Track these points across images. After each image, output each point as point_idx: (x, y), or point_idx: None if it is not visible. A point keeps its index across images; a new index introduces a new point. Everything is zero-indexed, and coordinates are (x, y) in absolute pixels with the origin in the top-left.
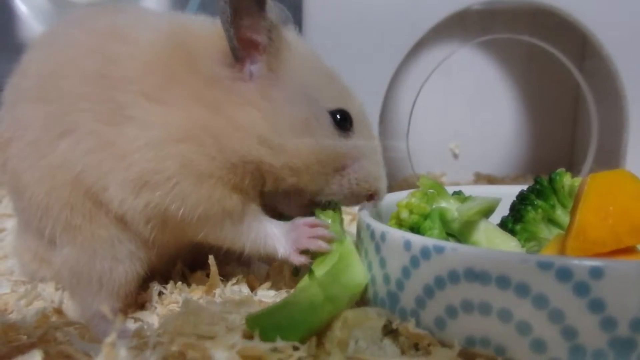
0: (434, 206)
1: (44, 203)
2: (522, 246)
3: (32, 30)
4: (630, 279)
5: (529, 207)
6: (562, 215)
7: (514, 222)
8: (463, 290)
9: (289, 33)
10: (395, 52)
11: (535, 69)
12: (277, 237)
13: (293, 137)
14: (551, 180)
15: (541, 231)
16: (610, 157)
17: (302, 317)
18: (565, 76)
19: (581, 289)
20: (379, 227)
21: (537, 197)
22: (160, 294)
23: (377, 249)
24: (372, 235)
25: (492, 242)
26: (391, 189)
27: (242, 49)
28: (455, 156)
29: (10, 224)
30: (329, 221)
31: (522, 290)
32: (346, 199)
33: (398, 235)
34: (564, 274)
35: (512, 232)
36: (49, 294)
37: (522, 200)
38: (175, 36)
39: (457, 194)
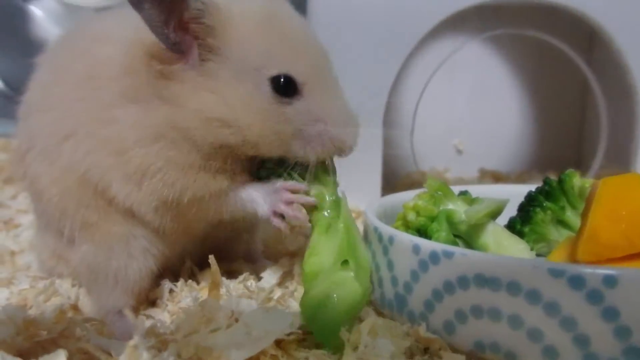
0: (440, 208)
1: (61, 204)
2: (531, 248)
3: (46, 32)
4: None
5: (538, 209)
6: (572, 216)
7: (522, 223)
8: (473, 295)
9: (236, 5)
10: (400, 48)
11: (542, 64)
12: (256, 200)
13: (244, 112)
14: (560, 181)
15: (550, 233)
16: (621, 153)
17: (346, 315)
18: (572, 71)
19: (594, 297)
20: (386, 230)
21: (546, 199)
22: (170, 291)
23: (385, 251)
24: (380, 237)
25: (500, 244)
26: (395, 185)
27: (180, 42)
28: (460, 152)
29: (27, 219)
30: (304, 185)
31: (534, 296)
32: (318, 158)
33: (406, 239)
34: (577, 282)
35: (520, 234)
36: (66, 290)
37: (530, 202)
38: (140, 34)
39: (464, 194)
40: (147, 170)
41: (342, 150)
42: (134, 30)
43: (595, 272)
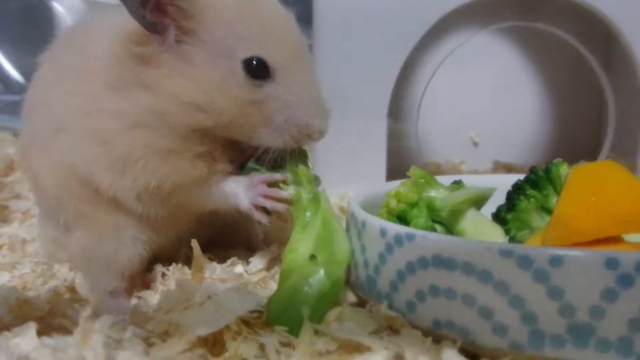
0: (423, 195)
1: (56, 195)
2: (514, 235)
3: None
4: (589, 267)
5: (522, 197)
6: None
7: (506, 211)
8: (431, 276)
9: None
10: (406, 39)
11: (559, 57)
12: (237, 194)
13: (218, 96)
14: (547, 170)
15: (534, 220)
16: (630, 147)
17: (313, 307)
18: (590, 64)
19: (541, 276)
20: (360, 215)
21: (531, 187)
22: (163, 275)
23: (359, 236)
24: (355, 222)
25: (478, 230)
26: (403, 177)
27: (157, 23)
28: (476, 145)
29: None
30: (280, 175)
31: (485, 276)
32: (287, 144)
33: (376, 223)
34: (525, 262)
35: (505, 221)
36: (63, 274)
37: (516, 190)
38: (126, 24)
39: (457, 183)
40: (128, 159)
41: (310, 136)
42: (123, 22)
43: (542, 252)
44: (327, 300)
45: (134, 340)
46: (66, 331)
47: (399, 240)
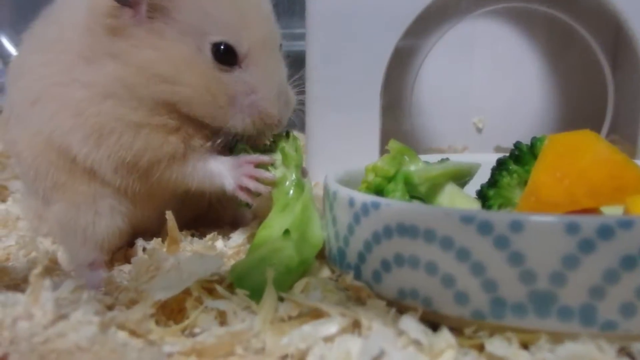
0: (402, 169)
1: (34, 165)
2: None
3: None
4: (550, 232)
5: (504, 172)
6: None
7: (488, 187)
8: (395, 244)
9: None
10: (397, 23)
11: (563, 41)
12: (222, 173)
13: (184, 71)
14: (532, 146)
15: (516, 196)
16: (630, 129)
17: (278, 278)
18: (593, 48)
19: (501, 242)
20: (332, 186)
21: (515, 163)
22: (144, 249)
23: (331, 208)
24: (328, 195)
25: (453, 204)
26: None
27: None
28: (479, 130)
29: None
30: (268, 158)
31: (447, 243)
32: (254, 131)
33: (344, 193)
34: (485, 228)
35: (487, 197)
36: (46, 247)
37: (499, 166)
38: None
39: (445, 160)
40: (102, 131)
41: (269, 124)
42: None
43: (502, 218)
44: (293, 275)
45: (90, 303)
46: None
47: (365, 209)
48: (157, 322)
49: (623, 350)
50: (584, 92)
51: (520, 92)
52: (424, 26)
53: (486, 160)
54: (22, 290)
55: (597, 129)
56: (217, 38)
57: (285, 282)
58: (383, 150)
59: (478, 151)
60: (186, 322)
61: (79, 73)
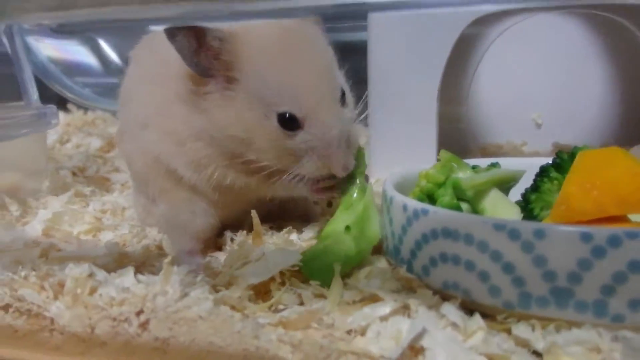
0: (451, 176)
1: (144, 174)
2: (538, 214)
3: None
4: (568, 240)
5: (545, 179)
6: None
7: (531, 191)
8: (440, 245)
9: (253, 36)
10: (455, 23)
11: (625, 37)
12: (300, 187)
13: (255, 134)
14: (572, 155)
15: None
16: None
17: (340, 264)
18: None
19: (527, 247)
20: (389, 192)
21: (556, 170)
22: (232, 239)
23: (388, 211)
24: (386, 199)
25: (496, 208)
26: (472, 155)
27: (209, 68)
28: (538, 126)
29: None
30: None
31: (483, 246)
32: (312, 175)
33: (400, 199)
34: (514, 234)
35: (529, 201)
36: (153, 235)
37: (541, 173)
38: None
39: (493, 165)
40: (200, 162)
41: (333, 172)
42: None
43: (527, 226)
44: (351, 263)
45: (203, 284)
46: (154, 275)
47: (416, 214)
48: (249, 300)
49: (616, 337)
50: None
51: (580, 90)
52: (481, 25)
53: (538, 164)
54: (143, 272)
55: None
56: (280, 109)
57: (344, 268)
58: (439, 151)
59: (537, 147)
60: (272, 300)
61: (176, 109)
